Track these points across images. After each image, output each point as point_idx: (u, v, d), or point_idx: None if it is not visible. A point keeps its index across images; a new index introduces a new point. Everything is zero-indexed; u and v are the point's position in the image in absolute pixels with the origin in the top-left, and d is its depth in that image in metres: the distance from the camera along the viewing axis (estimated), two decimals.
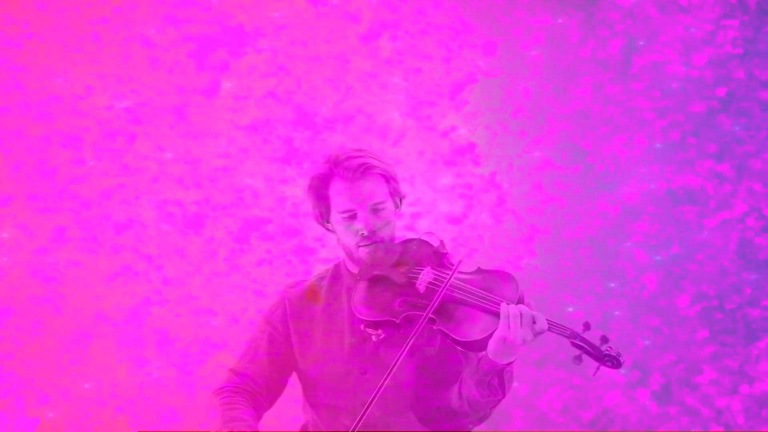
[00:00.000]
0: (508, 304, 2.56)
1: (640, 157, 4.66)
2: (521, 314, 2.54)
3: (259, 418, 2.77)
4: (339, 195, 2.73)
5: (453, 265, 2.72)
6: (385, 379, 2.49)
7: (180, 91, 4.43)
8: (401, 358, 2.52)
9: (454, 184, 4.56)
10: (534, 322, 2.55)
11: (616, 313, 4.64)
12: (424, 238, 2.81)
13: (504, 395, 2.63)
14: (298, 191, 4.34)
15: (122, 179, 4.39)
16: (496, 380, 2.60)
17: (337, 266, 2.90)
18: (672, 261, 4.64)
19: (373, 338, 2.68)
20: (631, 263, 4.64)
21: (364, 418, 2.50)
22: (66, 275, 4.33)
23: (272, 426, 2.97)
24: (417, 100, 4.57)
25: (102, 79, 4.38)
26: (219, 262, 4.45)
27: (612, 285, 4.65)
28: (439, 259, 2.75)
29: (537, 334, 2.56)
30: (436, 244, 2.78)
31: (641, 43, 4.66)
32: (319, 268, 3.07)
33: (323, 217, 2.80)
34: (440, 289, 2.61)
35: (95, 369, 4.33)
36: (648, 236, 4.64)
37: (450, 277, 2.63)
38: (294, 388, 2.92)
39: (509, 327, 2.52)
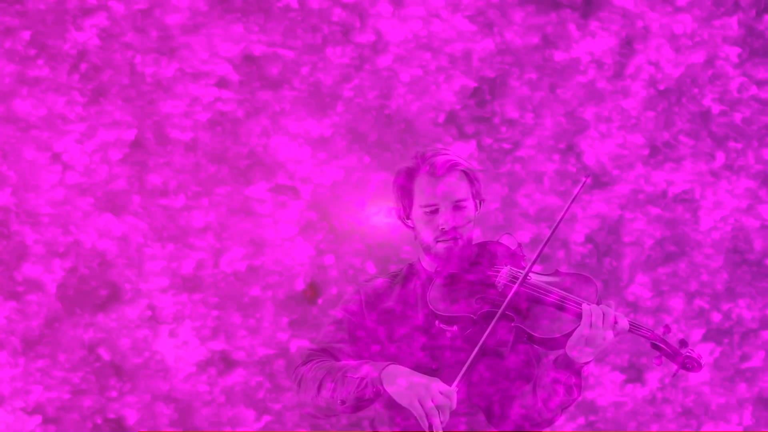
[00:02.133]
0: (589, 304, 2.61)
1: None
2: (604, 314, 2.59)
3: None
4: (423, 189, 2.79)
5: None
6: (460, 373, 2.56)
7: None
8: (476, 351, 2.57)
9: None
10: (616, 323, 2.59)
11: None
12: (503, 241, 2.86)
13: (579, 396, 2.66)
14: None
15: None
16: (573, 380, 2.63)
17: (411, 265, 2.93)
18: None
19: (448, 334, 2.70)
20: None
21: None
22: None
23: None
24: None
25: None
26: None
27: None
28: (517, 261, 2.79)
29: (618, 334, 2.60)
30: (514, 246, 2.83)
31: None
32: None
33: (405, 212, 2.85)
34: (517, 283, 2.65)
35: None
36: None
37: (527, 271, 2.67)
38: None
39: (591, 325, 2.57)
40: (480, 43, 4.52)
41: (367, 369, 2.64)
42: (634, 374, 4.56)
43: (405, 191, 2.83)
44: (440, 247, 2.79)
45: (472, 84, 4.53)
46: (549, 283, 2.71)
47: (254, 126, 4.42)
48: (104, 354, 4.31)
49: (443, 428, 2.54)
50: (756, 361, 4.60)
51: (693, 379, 4.53)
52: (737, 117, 4.65)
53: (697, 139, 4.64)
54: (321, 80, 4.44)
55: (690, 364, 2.61)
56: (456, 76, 4.51)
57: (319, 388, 2.68)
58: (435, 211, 2.79)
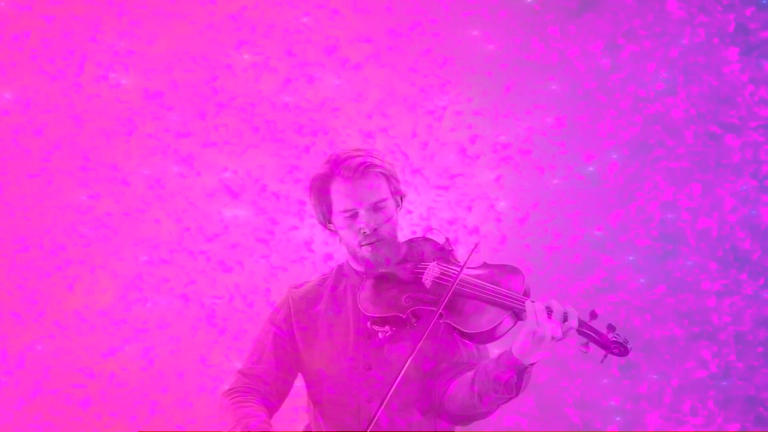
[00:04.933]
0: (532, 301, 2.57)
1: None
2: (548, 308, 2.55)
3: (269, 418, 2.78)
4: (340, 194, 2.76)
5: (459, 261, 2.74)
6: (397, 378, 2.51)
7: None
8: (414, 352, 2.53)
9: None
10: (565, 319, 2.55)
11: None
12: (429, 235, 2.83)
13: (517, 395, 2.61)
14: None
15: None
16: (515, 378, 2.57)
17: (340, 266, 2.92)
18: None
19: (380, 335, 2.69)
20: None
21: (369, 415, 2.57)
22: None
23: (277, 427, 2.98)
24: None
25: None
26: None
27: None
28: (445, 255, 2.77)
29: (566, 330, 2.55)
30: (441, 241, 2.80)
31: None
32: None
33: (325, 218, 2.83)
34: (451, 283, 2.63)
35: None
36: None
37: (461, 270, 2.65)
38: (295, 392, 2.94)
39: (537, 322, 2.52)
40: None
41: (244, 421, 2.67)
42: None
43: (322, 198, 2.80)
44: (365, 250, 2.76)
45: None
46: (476, 276, 2.68)
47: None
48: None
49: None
50: None
51: None
52: None
53: None
54: None
55: (617, 348, 2.56)
56: None
57: (222, 421, 2.74)
58: (354, 215, 2.75)
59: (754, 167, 4.65)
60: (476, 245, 2.70)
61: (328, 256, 4.42)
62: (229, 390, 2.83)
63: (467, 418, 2.73)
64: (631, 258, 4.61)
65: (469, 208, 4.52)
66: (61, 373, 4.31)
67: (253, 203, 4.45)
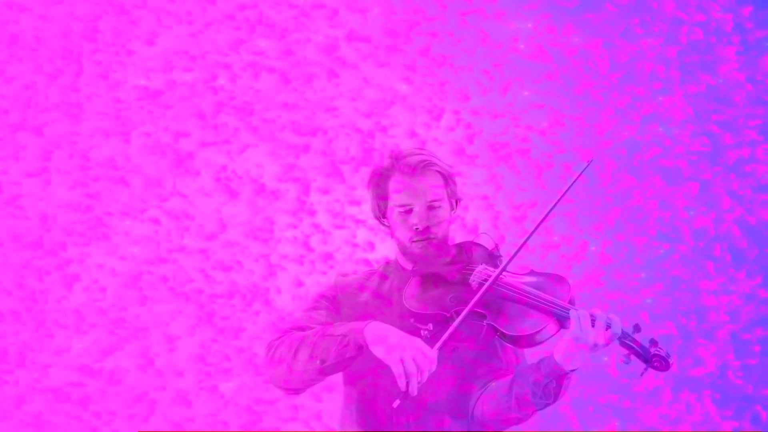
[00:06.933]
0: (576, 308, 2.58)
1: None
2: (592, 316, 2.56)
3: None
4: (397, 189, 2.79)
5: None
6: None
7: None
8: (444, 341, 2.56)
9: None
10: (608, 327, 2.55)
11: None
12: (479, 240, 2.85)
13: (554, 402, 2.62)
14: None
15: None
16: (554, 385, 2.59)
17: (388, 263, 2.93)
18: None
19: (422, 332, 2.68)
20: None
21: (401, 418, 2.63)
22: None
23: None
24: None
25: None
26: None
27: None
28: (494, 260, 2.78)
29: (610, 339, 2.56)
30: (490, 246, 2.83)
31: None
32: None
33: (380, 211, 2.85)
34: (488, 282, 2.65)
35: None
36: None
37: (500, 270, 2.67)
38: None
39: (582, 329, 2.54)
40: None
41: (348, 327, 2.63)
42: None
43: (379, 191, 2.83)
44: (416, 247, 2.78)
45: None
46: (523, 282, 2.71)
47: None
48: None
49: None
50: None
51: None
52: None
53: None
54: None
55: (659, 362, 2.57)
56: None
57: (295, 353, 2.67)
58: (409, 211, 2.78)
59: (751, 166, 4.66)
60: (519, 248, 2.71)
61: (328, 256, 4.43)
62: (282, 332, 2.76)
63: (501, 423, 2.74)
64: (628, 257, 4.62)
65: (467, 208, 4.53)
66: (61, 372, 4.32)
67: (251, 202, 4.46)
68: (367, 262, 4.40)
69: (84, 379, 4.31)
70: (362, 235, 4.45)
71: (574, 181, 2.79)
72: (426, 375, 2.53)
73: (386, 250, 4.41)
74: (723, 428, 4.56)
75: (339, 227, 4.45)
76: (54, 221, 4.34)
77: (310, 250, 4.45)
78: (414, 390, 2.52)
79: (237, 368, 4.35)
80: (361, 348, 2.61)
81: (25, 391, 4.27)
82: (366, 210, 4.34)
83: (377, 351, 2.58)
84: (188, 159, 4.43)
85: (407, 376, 2.51)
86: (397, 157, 2.81)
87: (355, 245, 4.45)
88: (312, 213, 4.46)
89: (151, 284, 4.37)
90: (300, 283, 4.41)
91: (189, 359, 4.37)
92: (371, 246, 4.44)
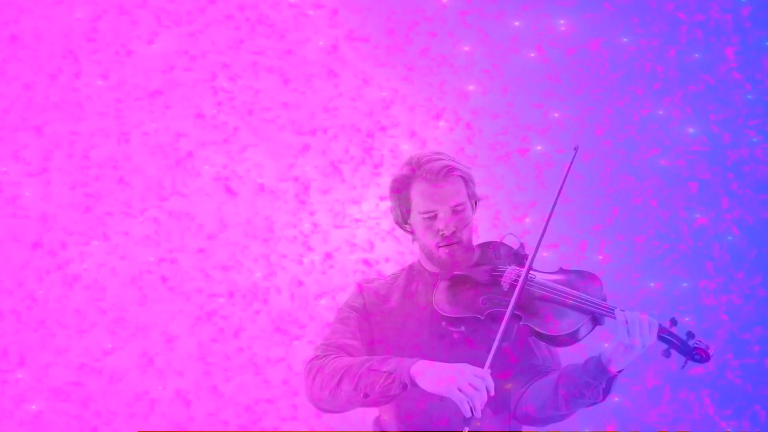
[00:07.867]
0: (622, 310, 2.62)
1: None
2: (643, 321, 2.61)
3: None
4: (421, 196, 2.81)
5: (533, 266, 2.75)
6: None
7: None
8: (494, 350, 2.57)
9: None
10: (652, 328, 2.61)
11: None
12: (505, 241, 2.88)
13: (603, 400, 2.67)
14: None
15: None
16: (604, 385, 2.64)
17: (411, 267, 2.95)
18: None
19: (455, 335, 2.71)
20: None
21: (437, 415, 2.65)
22: None
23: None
24: None
25: None
26: None
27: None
28: (520, 260, 2.80)
29: (653, 337, 2.61)
30: (516, 246, 2.85)
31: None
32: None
33: (403, 218, 2.87)
34: (520, 281, 2.66)
35: None
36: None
37: (528, 269, 2.68)
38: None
39: (629, 330, 2.58)
40: None
41: (393, 363, 2.62)
42: None
43: (402, 198, 2.85)
44: (442, 251, 2.80)
45: None
46: (553, 281, 2.73)
47: None
48: None
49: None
50: None
51: None
52: None
53: None
54: None
55: (699, 355, 2.63)
56: None
57: (339, 382, 2.67)
58: (434, 217, 2.80)
59: (750, 166, 4.67)
60: (539, 243, 2.73)
61: (328, 255, 4.43)
62: (323, 351, 2.77)
63: (543, 420, 2.77)
64: (628, 256, 4.62)
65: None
66: (61, 372, 4.32)
67: (251, 202, 4.46)
68: (366, 262, 4.40)
69: (84, 379, 4.31)
70: (362, 234, 4.45)
71: (567, 173, 2.81)
72: (485, 395, 2.54)
73: (386, 249, 4.42)
74: (722, 427, 4.56)
75: (339, 227, 4.46)
76: (54, 221, 4.34)
77: (310, 249, 4.45)
78: (478, 412, 2.53)
79: (237, 368, 4.36)
80: (406, 387, 2.61)
81: (25, 391, 4.27)
82: (366, 210, 4.44)
83: (430, 387, 2.58)
84: (188, 159, 4.43)
85: (470, 401, 2.52)
86: (418, 164, 2.82)
87: (355, 245, 4.45)
88: (312, 213, 4.46)
89: (150, 284, 4.37)
90: (300, 283, 4.42)
91: (189, 359, 4.37)
92: (371, 246, 4.44)
